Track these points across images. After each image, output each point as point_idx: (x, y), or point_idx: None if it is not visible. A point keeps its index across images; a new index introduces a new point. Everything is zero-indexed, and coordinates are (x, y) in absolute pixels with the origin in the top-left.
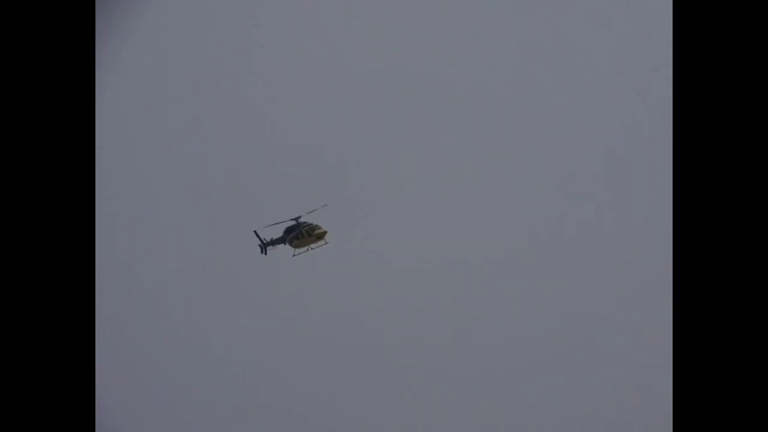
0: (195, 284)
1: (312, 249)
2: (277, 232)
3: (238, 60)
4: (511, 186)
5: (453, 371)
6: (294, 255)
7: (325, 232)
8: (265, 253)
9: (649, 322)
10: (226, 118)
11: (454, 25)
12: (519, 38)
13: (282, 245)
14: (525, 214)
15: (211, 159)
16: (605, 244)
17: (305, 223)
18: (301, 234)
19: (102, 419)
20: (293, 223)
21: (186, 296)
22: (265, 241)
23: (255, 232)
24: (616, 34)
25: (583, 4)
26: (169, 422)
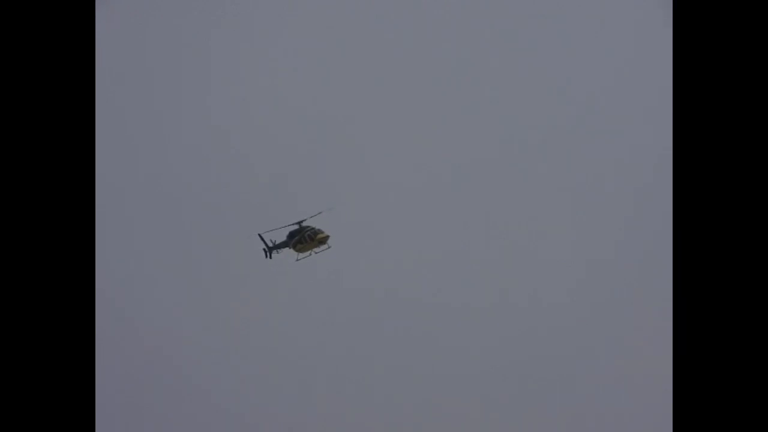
0: (199, 287)
1: (315, 253)
2: (281, 236)
3: (242, 65)
4: (508, 192)
5: (457, 374)
6: (297, 260)
7: (327, 237)
8: (270, 257)
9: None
10: (227, 123)
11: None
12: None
13: (286, 249)
14: (524, 219)
15: (214, 164)
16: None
17: (308, 227)
18: (303, 238)
19: (102, 421)
20: (296, 227)
21: (189, 299)
22: (269, 245)
23: (260, 235)
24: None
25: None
26: (169, 422)
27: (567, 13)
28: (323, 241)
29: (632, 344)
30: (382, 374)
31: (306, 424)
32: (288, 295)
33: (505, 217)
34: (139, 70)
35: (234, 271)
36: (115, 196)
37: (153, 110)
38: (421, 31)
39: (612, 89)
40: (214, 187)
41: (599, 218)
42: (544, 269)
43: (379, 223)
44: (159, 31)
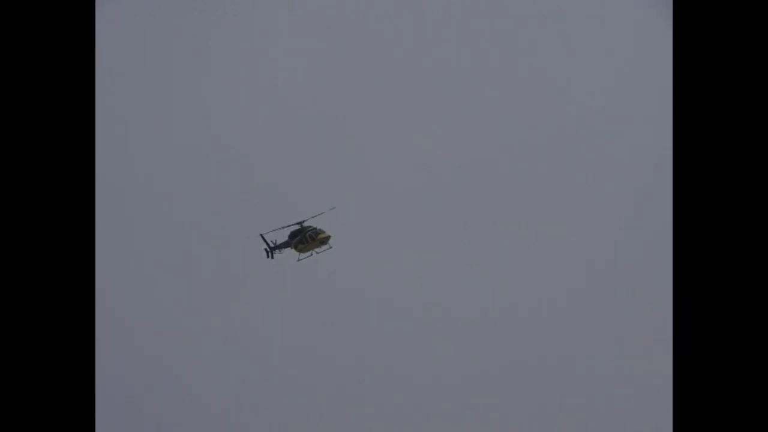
0: (199, 287)
1: (317, 253)
2: (282, 236)
3: (242, 65)
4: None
5: (456, 374)
6: (299, 260)
7: (328, 237)
8: (272, 257)
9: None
10: (227, 123)
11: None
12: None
13: (288, 249)
14: (526, 221)
15: (214, 164)
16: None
17: (309, 227)
18: (304, 238)
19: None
20: (297, 227)
21: (189, 299)
22: (271, 245)
23: (261, 236)
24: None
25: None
26: (168, 422)
27: (567, 13)
28: (324, 241)
29: (632, 344)
30: (382, 374)
31: (306, 425)
32: (288, 295)
33: (505, 217)
34: (138, 70)
35: (234, 271)
36: (115, 196)
37: (153, 110)
38: (421, 31)
39: (612, 89)
40: (214, 187)
41: (599, 218)
42: (544, 269)
43: (379, 223)
44: (159, 31)
